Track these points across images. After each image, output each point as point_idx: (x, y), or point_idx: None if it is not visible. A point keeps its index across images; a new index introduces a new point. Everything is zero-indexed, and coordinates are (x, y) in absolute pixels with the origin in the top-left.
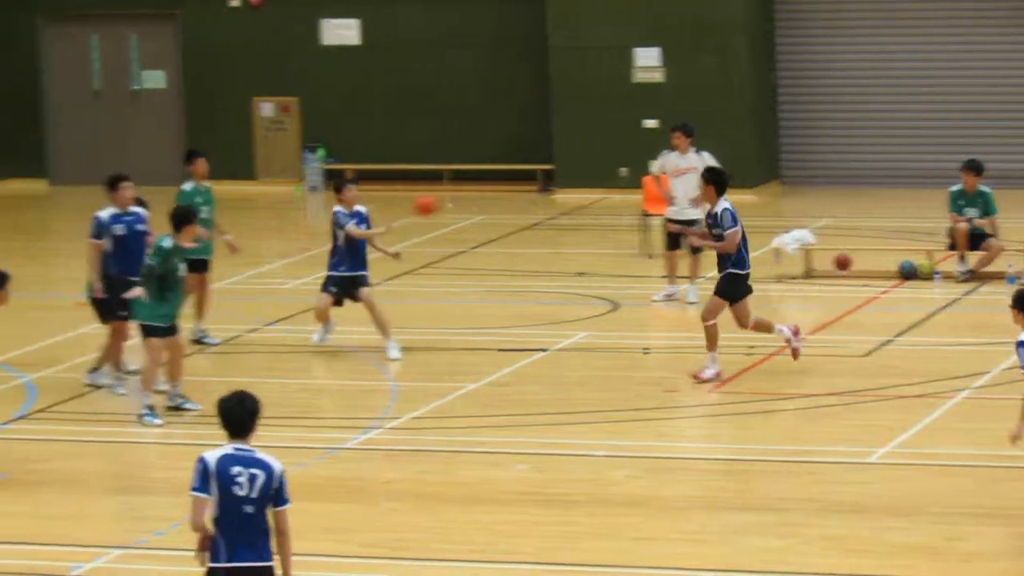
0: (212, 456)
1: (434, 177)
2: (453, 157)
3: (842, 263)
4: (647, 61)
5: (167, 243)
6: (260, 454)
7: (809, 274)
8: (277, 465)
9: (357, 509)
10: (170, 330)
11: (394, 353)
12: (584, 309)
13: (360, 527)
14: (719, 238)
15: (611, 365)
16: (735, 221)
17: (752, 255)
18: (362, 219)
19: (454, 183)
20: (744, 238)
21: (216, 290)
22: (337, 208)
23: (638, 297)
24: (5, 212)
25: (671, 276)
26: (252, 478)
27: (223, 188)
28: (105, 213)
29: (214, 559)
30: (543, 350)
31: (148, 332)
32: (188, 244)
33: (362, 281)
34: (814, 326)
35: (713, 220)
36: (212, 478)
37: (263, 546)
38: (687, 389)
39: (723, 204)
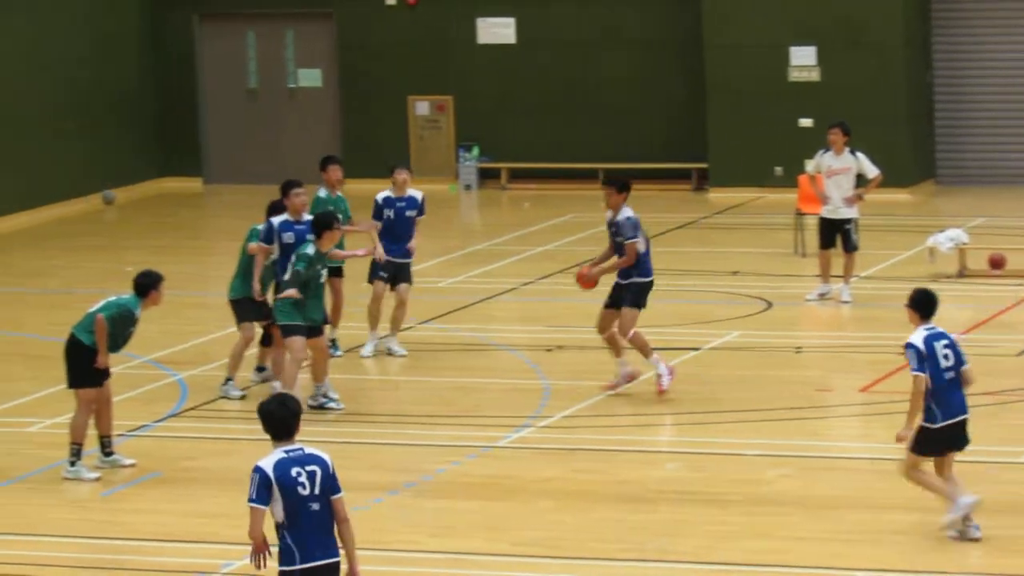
0: (267, 463)
1: (588, 176)
2: (607, 156)
3: (996, 262)
4: (802, 60)
5: (310, 249)
6: (309, 449)
7: (963, 273)
8: (327, 455)
9: (510, 507)
10: (313, 331)
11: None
12: (737, 308)
13: (513, 525)
14: (619, 247)
15: (764, 364)
16: (636, 230)
17: (907, 254)
18: (413, 204)
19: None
20: (648, 245)
21: (366, 288)
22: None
23: (791, 296)
24: (161, 210)
25: (824, 275)
26: (311, 475)
27: (377, 187)
28: (278, 219)
29: (287, 563)
30: (696, 349)
31: (289, 332)
32: (327, 250)
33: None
34: (968, 325)
35: (616, 228)
36: (273, 485)
37: (331, 542)
38: (840, 388)
39: (625, 212)
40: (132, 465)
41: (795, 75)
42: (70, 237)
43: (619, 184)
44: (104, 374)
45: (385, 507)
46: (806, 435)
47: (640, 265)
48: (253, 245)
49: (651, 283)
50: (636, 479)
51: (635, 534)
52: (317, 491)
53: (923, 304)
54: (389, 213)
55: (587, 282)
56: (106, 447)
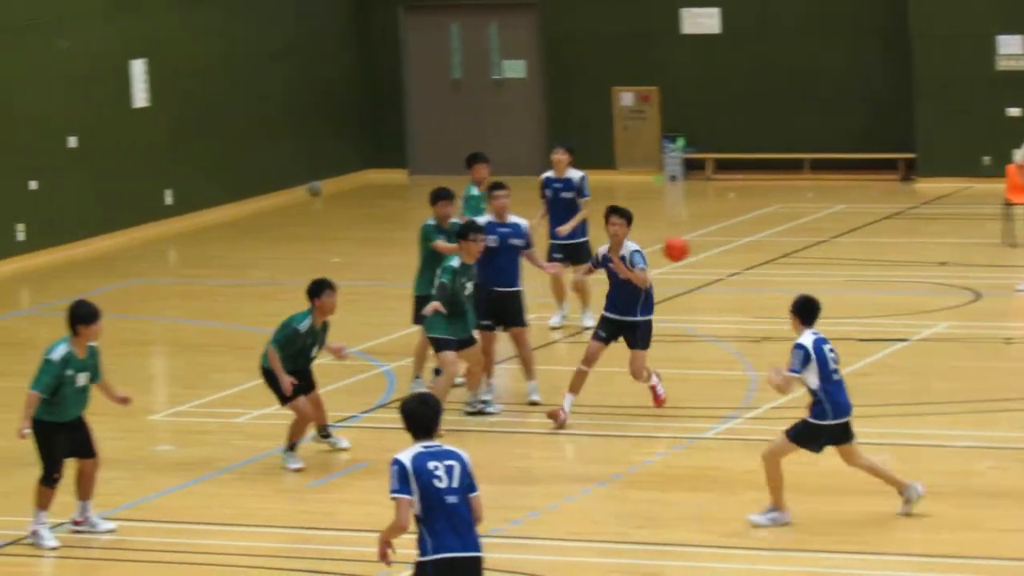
0: (406, 456)
1: (793, 166)
2: (813, 146)
3: None
4: (1010, 49)
5: (455, 262)
6: (447, 446)
7: None
8: (464, 452)
9: (718, 498)
10: (465, 342)
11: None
12: (946, 299)
13: (722, 516)
14: (613, 274)
15: (973, 355)
16: (645, 260)
17: None
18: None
19: (814, 172)
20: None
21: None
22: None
23: (1001, 287)
24: (366, 201)
25: None
26: (449, 469)
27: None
28: (483, 219)
29: (422, 553)
30: (904, 340)
31: (440, 346)
32: (471, 260)
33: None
34: None
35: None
36: (411, 477)
37: (469, 536)
38: None
39: (632, 246)
40: (347, 448)
41: (1003, 64)
42: (276, 229)
43: (629, 217)
44: (305, 386)
45: (593, 498)
46: (1017, 427)
47: (649, 300)
48: (443, 244)
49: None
50: (844, 470)
51: (844, 526)
52: (455, 484)
53: (806, 310)
54: (548, 193)
55: (678, 253)
56: (323, 431)
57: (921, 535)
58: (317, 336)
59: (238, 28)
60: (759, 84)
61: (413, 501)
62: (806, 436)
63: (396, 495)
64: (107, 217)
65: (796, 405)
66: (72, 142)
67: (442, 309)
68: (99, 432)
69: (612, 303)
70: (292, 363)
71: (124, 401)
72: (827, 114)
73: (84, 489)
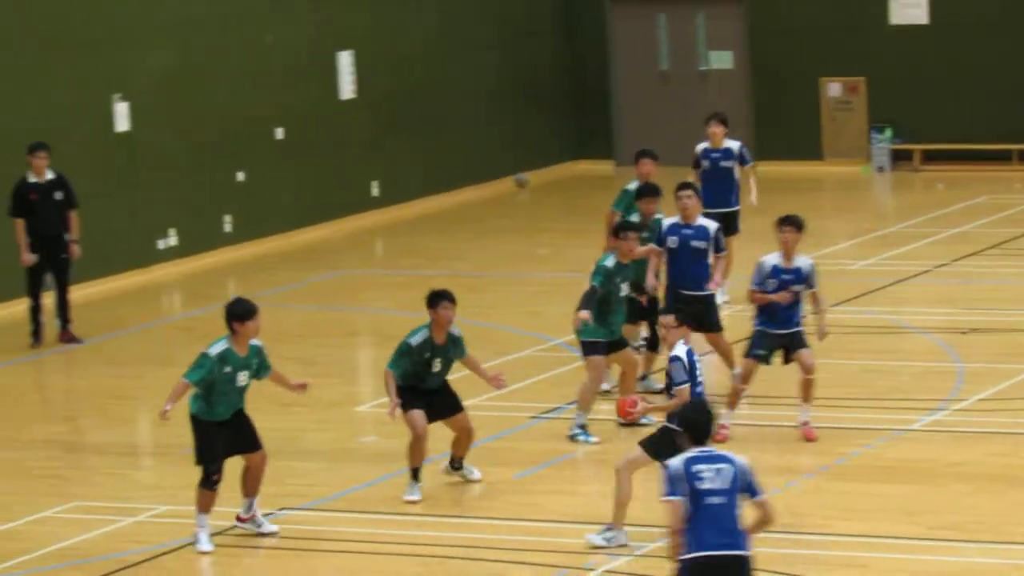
0: (677, 461)
1: (1002, 157)
2: (1021, 136)
3: None
4: None
5: (609, 262)
6: (720, 451)
7: None
8: (741, 459)
9: (925, 491)
10: (615, 345)
11: None
12: None
13: (929, 508)
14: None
15: None
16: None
17: None
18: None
19: (1022, 163)
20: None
21: None
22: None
23: None
24: (572, 193)
25: None
26: (717, 471)
27: (790, 169)
28: (668, 220)
29: (686, 551)
30: None
31: (589, 349)
32: (627, 260)
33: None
34: None
35: (796, 276)
36: (683, 480)
37: (735, 536)
38: None
39: (806, 259)
40: (478, 479)
41: None
42: (483, 220)
43: (800, 225)
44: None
45: (799, 490)
46: None
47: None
48: (644, 248)
49: None
50: None
51: None
52: (722, 486)
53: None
54: (706, 164)
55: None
56: (455, 463)
57: None
58: (437, 351)
59: (443, 19)
60: (967, 74)
61: (684, 503)
62: (661, 446)
63: (666, 498)
64: (313, 208)
65: (1007, 396)
66: (279, 134)
67: (590, 319)
68: (304, 423)
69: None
70: (415, 379)
71: (302, 388)
72: None
73: (250, 486)
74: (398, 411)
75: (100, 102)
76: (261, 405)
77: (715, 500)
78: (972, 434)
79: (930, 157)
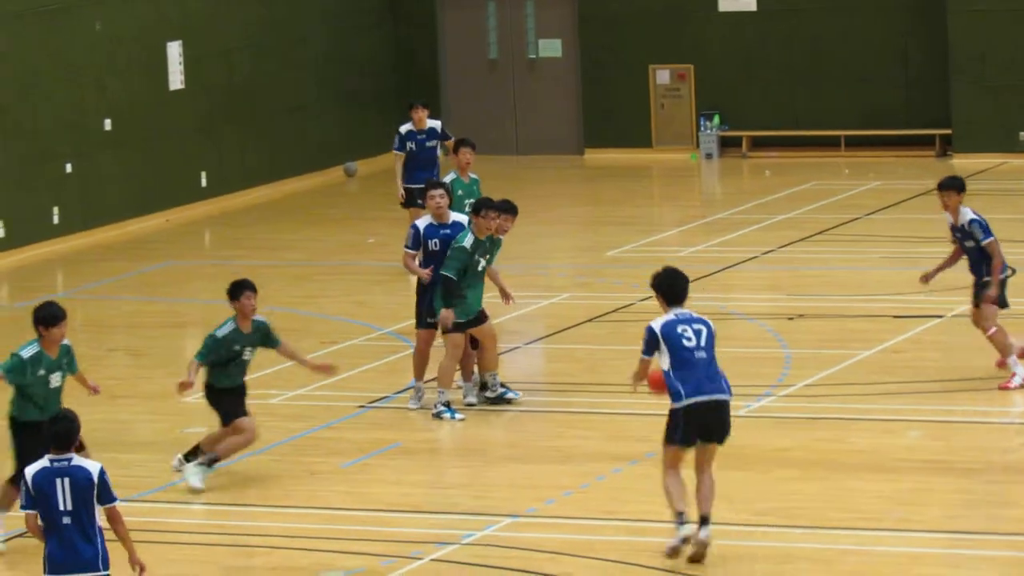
0: (657, 323)
1: (829, 143)
2: (849, 123)
3: None
4: None
5: (467, 241)
6: (695, 314)
7: None
8: (711, 322)
9: (750, 476)
10: (475, 320)
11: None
12: None
13: (753, 495)
14: (971, 251)
15: (1009, 331)
16: (988, 229)
17: None
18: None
19: (849, 149)
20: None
21: (610, 257)
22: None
23: None
24: None
25: None
26: (697, 332)
27: (619, 157)
28: (422, 223)
29: (675, 400)
30: (939, 316)
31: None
32: (483, 236)
33: None
34: None
35: (962, 233)
36: (661, 340)
37: (717, 383)
38: None
39: (968, 213)
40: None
41: None
42: (311, 210)
43: (958, 185)
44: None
45: (624, 477)
46: None
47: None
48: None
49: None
50: (877, 448)
51: (876, 503)
52: (703, 344)
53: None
54: None
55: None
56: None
57: (953, 511)
58: (245, 340)
59: (273, 8)
60: (794, 61)
61: (660, 360)
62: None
63: (644, 356)
64: (143, 199)
65: (833, 382)
66: (108, 124)
67: (453, 317)
68: (133, 415)
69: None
70: (227, 376)
71: (95, 391)
72: (862, 91)
73: None
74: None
75: None
76: (94, 398)
77: (700, 355)
78: (798, 420)
79: (758, 144)
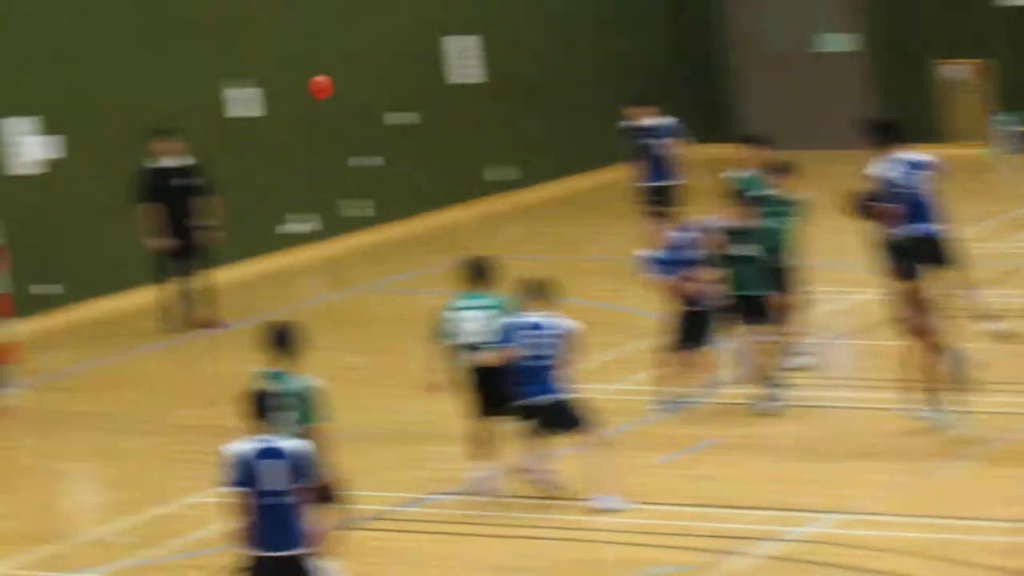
0: None
1: None
2: None
3: None
4: None
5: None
6: None
7: None
8: None
9: None
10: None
11: None
12: None
13: None
14: None
15: None
16: None
17: None
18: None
19: None
20: None
21: None
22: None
23: None
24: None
25: None
26: None
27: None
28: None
29: None
30: None
31: None
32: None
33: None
34: None
35: None
36: None
37: None
38: None
39: None
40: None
41: None
42: (608, 204)
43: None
44: None
45: (952, 475)
46: None
47: None
48: None
49: None
50: None
51: None
52: None
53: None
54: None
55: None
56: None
57: None
58: None
59: (564, 7)
60: None
61: None
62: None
63: None
64: (443, 192)
65: None
66: (413, 118)
67: None
68: (447, 407)
69: None
70: None
71: None
72: None
73: None
74: None
75: (216, 88)
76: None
77: None
78: None
79: None
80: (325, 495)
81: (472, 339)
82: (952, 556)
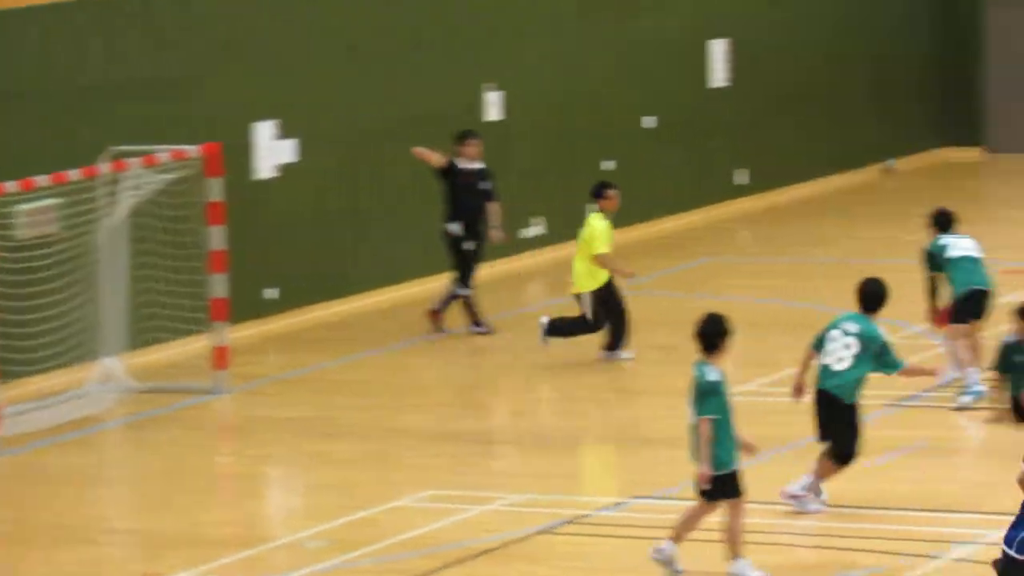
0: None
1: None
2: None
3: None
4: None
5: None
6: None
7: None
8: None
9: None
10: None
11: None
12: None
13: None
14: None
15: None
16: None
17: None
18: None
19: None
20: None
21: None
22: None
23: None
24: (941, 180)
25: None
26: None
27: None
28: None
29: None
30: None
31: None
32: None
33: None
34: None
35: None
36: None
37: None
38: None
39: None
40: None
41: None
42: (849, 206)
43: None
44: None
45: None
46: None
47: None
48: None
49: None
50: None
51: None
52: None
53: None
54: None
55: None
56: None
57: None
58: None
59: (843, 8)
60: None
61: None
62: None
63: None
64: (680, 196)
65: None
66: (650, 122)
67: None
68: (649, 411)
69: None
70: None
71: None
72: None
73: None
74: None
75: (473, 93)
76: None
77: None
78: None
79: None
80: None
81: (829, 361)
82: None
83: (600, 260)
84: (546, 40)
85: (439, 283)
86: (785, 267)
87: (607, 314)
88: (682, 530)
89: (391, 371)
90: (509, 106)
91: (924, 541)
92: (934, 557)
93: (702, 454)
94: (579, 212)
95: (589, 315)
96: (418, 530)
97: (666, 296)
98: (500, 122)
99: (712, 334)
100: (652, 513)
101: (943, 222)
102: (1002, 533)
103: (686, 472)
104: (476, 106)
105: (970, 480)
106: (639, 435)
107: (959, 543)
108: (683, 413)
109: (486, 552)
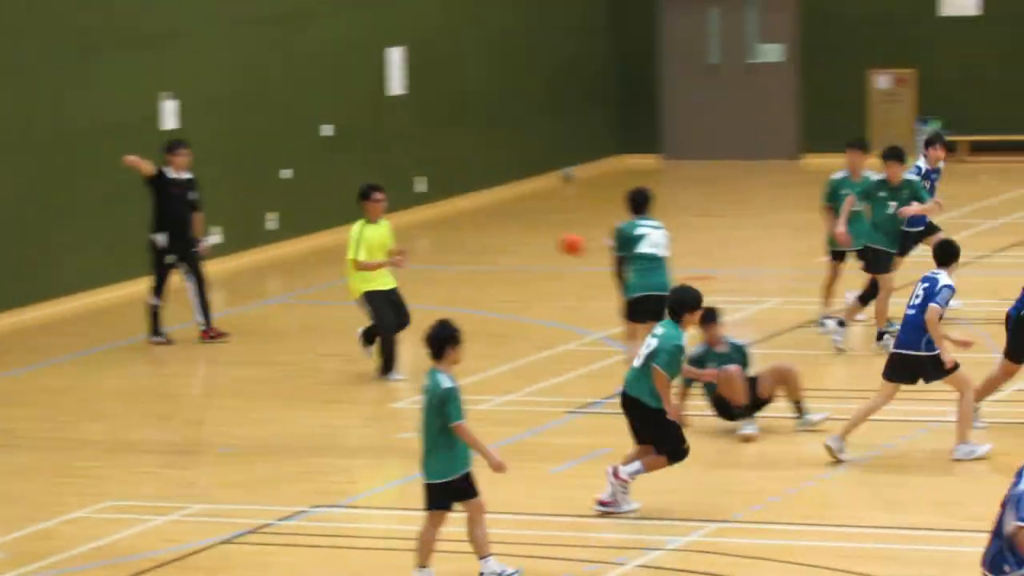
0: None
1: None
2: None
3: None
4: None
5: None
6: None
7: None
8: None
9: (961, 482)
10: None
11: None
12: None
13: (965, 500)
14: None
15: None
16: None
17: None
18: None
19: None
20: None
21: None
22: None
23: None
24: (619, 187)
25: None
26: None
27: (838, 162)
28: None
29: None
30: None
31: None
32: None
33: None
34: None
35: None
36: None
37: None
38: None
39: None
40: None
41: None
42: (528, 215)
43: None
44: None
45: (832, 483)
46: None
47: None
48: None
49: None
50: None
51: None
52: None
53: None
54: None
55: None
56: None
57: None
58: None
59: (505, 19)
60: (1018, 66)
61: None
62: None
63: None
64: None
65: None
66: (327, 131)
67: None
68: (343, 420)
69: None
70: None
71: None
72: None
73: None
74: None
75: (148, 101)
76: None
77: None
78: (1013, 425)
79: (977, 148)
80: None
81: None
82: (824, 563)
83: (357, 266)
84: (223, 47)
85: (131, 290)
86: (462, 275)
87: (395, 310)
88: (425, 552)
89: (72, 380)
90: (185, 115)
91: (609, 548)
92: (619, 563)
93: (478, 450)
94: (257, 221)
95: (373, 317)
96: (99, 541)
97: (340, 305)
98: (177, 131)
99: (441, 339)
100: (335, 522)
101: (639, 200)
102: (693, 537)
103: (370, 481)
104: (153, 116)
105: (654, 487)
106: (324, 444)
107: (647, 549)
108: (365, 423)
109: (167, 563)
